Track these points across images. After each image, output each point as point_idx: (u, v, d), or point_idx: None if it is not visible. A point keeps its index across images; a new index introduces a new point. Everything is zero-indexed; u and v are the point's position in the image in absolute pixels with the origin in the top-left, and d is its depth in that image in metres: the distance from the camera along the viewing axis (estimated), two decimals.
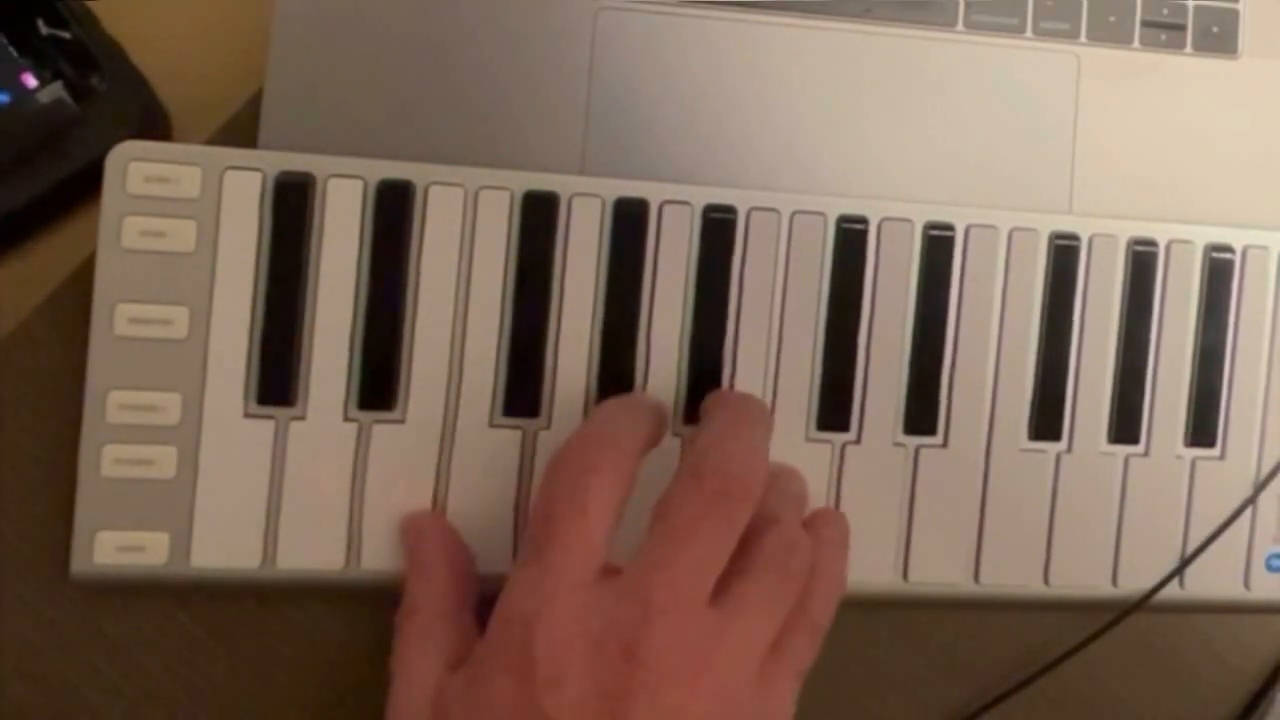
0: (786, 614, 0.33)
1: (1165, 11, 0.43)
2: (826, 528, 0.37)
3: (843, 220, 0.39)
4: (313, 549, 0.37)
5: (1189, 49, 0.43)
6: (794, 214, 0.39)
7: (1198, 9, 0.43)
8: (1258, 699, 0.44)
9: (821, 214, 0.39)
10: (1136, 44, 0.43)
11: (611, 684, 0.30)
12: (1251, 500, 0.42)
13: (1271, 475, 0.42)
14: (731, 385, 0.38)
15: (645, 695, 0.30)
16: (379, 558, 0.37)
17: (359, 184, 0.37)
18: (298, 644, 0.38)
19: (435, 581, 0.36)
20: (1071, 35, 0.42)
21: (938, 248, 0.40)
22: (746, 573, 0.33)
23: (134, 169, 0.35)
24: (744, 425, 0.35)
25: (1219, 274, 0.42)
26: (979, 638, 0.42)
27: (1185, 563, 0.41)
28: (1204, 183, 0.43)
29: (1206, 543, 0.41)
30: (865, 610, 0.41)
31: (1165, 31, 0.43)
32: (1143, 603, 0.41)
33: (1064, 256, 0.40)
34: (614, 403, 0.37)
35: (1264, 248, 0.42)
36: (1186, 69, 0.43)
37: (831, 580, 0.36)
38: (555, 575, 0.32)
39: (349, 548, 0.37)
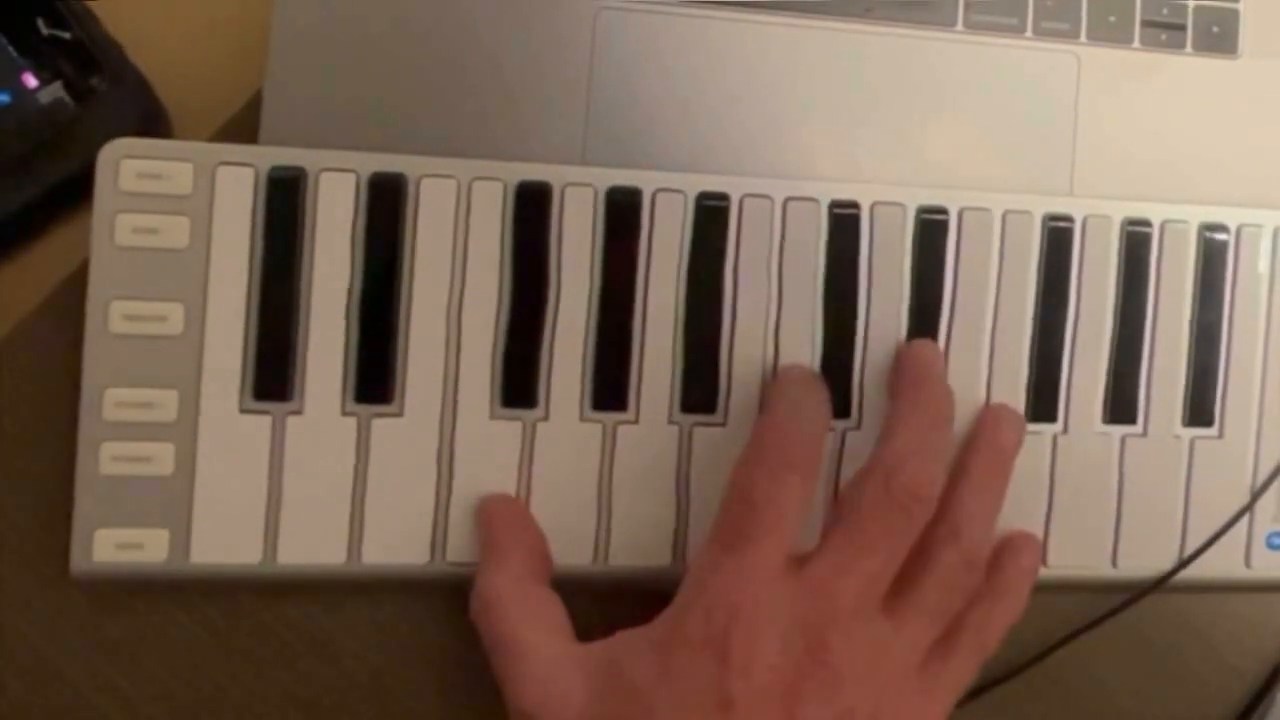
0: (947, 624, 0.36)
1: (1165, 11, 0.43)
2: (1021, 555, 0.39)
3: (835, 206, 0.39)
4: (314, 544, 0.37)
5: (1189, 49, 0.43)
6: (787, 200, 0.39)
7: (1198, 9, 0.43)
8: (1258, 699, 0.43)
9: (814, 200, 0.39)
10: (1136, 44, 0.42)
11: (793, 677, 0.33)
12: (1249, 507, 0.41)
13: (1270, 480, 0.42)
14: (729, 373, 0.38)
15: (822, 692, 0.33)
16: (381, 552, 0.37)
17: (351, 177, 0.37)
18: (298, 642, 0.38)
19: (511, 563, 0.36)
20: (1071, 35, 0.42)
21: (932, 231, 0.40)
22: (919, 584, 0.35)
23: (125, 166, 0.35)
24: (935, 435, 0.37)
25: (1214, 253, 0.41)
26: None
27: (1184, 563, 0.41)
28: (1205, 183, 0.43)
29: (1207, 544, 0.41)
30: None
31: (1165, 31, 0.43)
32: (1139, 598, 0.41)
33: (1058, 238, 0.40)
34: (797, 382, 0.38)
35: (1258, 226, 0.42)
36: (1186, 69, 0.43)
37: (1009, 609, 0.38)
38: (756, 567, 0.34)
39: (350, 542, 0.37)
